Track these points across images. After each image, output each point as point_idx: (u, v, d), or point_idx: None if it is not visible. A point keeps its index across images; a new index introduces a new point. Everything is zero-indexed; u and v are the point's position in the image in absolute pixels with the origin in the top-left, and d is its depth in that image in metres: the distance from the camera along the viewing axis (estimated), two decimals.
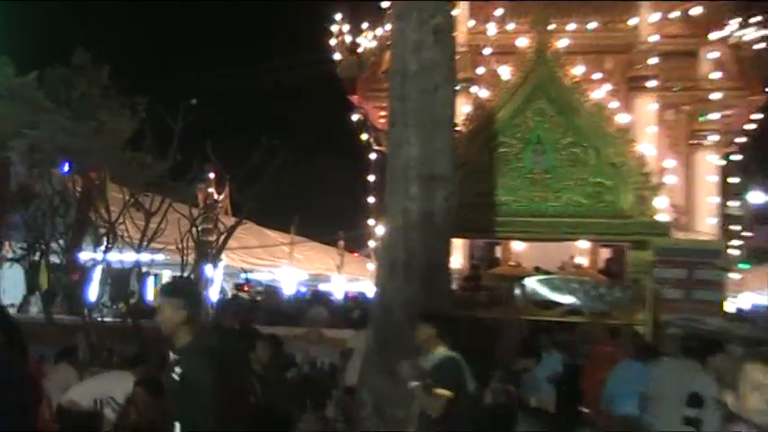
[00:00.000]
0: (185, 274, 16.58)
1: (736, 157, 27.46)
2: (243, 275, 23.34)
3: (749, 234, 31.88)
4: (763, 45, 23.61)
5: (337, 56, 25.69)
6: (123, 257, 17.03)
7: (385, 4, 24.19)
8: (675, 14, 24.11)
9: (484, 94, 19.06)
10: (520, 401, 9.52)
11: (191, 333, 5.64)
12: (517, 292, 14.11)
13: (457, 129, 13.40)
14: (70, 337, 13.47)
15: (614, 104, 19.05)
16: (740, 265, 29.14)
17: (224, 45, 39.70)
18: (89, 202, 17.19)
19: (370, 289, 23.07)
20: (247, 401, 8.06)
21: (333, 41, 25.71)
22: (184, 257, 16.47)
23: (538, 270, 16.99)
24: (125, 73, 19.16)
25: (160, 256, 17.69)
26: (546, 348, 12.40)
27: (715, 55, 24.13)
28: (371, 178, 26.62)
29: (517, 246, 19.98)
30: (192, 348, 5.63)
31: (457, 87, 12.92)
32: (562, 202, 15.04)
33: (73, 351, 11.43)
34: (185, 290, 6.14)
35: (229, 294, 22.38)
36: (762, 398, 3.40)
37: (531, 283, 14.24)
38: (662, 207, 16.49)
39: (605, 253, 20.10)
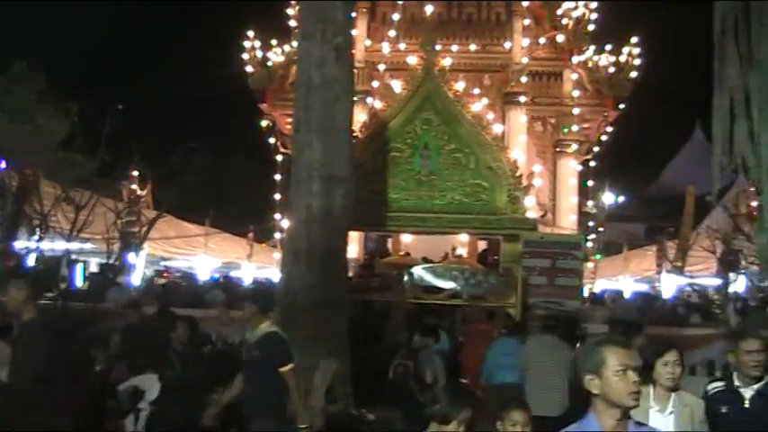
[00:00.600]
0: (111, 262, 16.30)
1: (593, 164, 28.15)
2: (162, 263, 22.86)
3: (602, 229, 32.79)
4: (613, 69, 24.34)
5: (249, 68, 25.44)
6: (54, 246, 16.61)
7: (292, 24, 24.14)
8: (543, 40, 24.67)
9: (378, 104, 19.07)
10: (416, 375, 9.58)
11: (34, 311, 5.94)
12: (406, 278, 14.15)
13: (354, 135, 13.40)
14: (6, 316, 12.99)
15: (490, 116, 19.28)
16: (595, 256, 29.89)
17: (152, 57, 38.94)
18: (24, 196, 16.67)
19: (276, 275, 22.91)
20: (89, 373, 8.23)
21: (246, 56, 25.45)
22: (110, 246, 16.14)
23: (424, 260, 17.07)
24: (60, 80, 18.58)
25: (88, 246, 17.30)
26: (442, 328, 12.47)
27: (575, 76, 24.71)
28: (278, 177, 26.53)
29: (406, 238, 20.07)
30: (32, 323, 5.96)
31: (355, 98, 12.92)
32: (446, 200, 15.17)
33: (8, 329, 10.99)
34: (28, 272, 6.48)
35: (151, 280, 21.86)
36: (628, 380, 3.40)
37: (418, 270, 14.28)
38: (530, 205, 16.77)
39: (482, 245, 20.35)
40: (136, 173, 21.93)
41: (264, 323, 8.05)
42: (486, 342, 11.33)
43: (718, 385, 5.79)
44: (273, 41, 25.34)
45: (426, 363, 9.49)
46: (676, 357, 5.47)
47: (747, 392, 5.53)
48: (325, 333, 10.84)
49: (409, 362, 9.41)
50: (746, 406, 5.54)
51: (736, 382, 5.59)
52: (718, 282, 18.04)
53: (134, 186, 22.77)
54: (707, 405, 5.57)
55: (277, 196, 26.36)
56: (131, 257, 18.78)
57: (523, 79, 24.11)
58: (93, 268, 21.52)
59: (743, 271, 17.25)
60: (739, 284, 17.27)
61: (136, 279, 19.52)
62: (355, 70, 13.42)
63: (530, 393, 10.03)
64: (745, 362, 5.52)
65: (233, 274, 26.28)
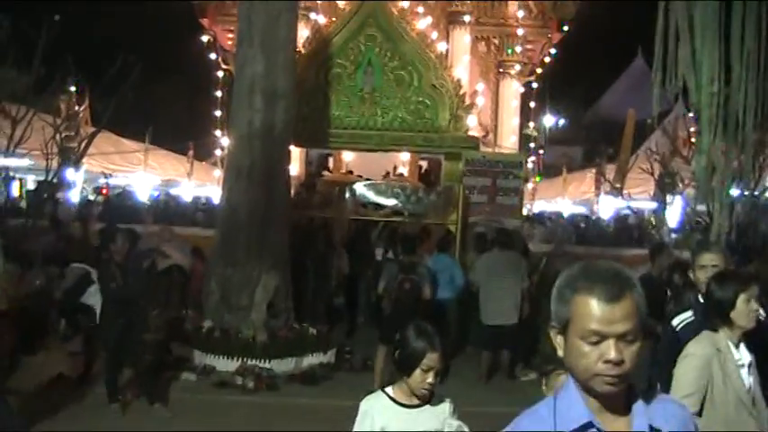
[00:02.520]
0: (49, 178, 15.97)
1: (535, 86, 28.27)
2: (102, 180, 22.49)
3: (542, 151, 33.15)
4: None
5: None
6: None
7: None
8: None
9: (322, 20, 18.80)
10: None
11: None
12: (347, 195, 14.23)
13: (297, 51, 13.23)
14: None
15: (435, 35, 19.14)
16: (535, 178, 30.29)
17: None
18: None
19: (216, 194, 22.78)
20: None
21: None
22: (48, 163, 15.80)
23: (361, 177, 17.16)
24: None
25: (26, 162, 16.88)
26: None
27: None
28: (219, 94, 26.17)
29: (348, 156, 20.05)
30: None
31: (298, 14, 12.72)
32: (388, 118, 15.14)
33: None
34: None
35: (90, 196, 21.55)
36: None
37: (360, 187, 14.34)
38: (472, 125, 16.87)
39: (424, 163, 20.45)
40: (73, 87, 21.38)
41: None
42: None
43: (685, 317, 4.74)
44: None
45: (424, 278, 9.72)
46: (757, 291, 4.32)
47: None
48: (267, 249, 10.90)
49: (414, 276, 9.58)
50: None
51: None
52: (655, 204, 18.37)
53: (72, 101, 22.22)
54: (680, 343, 4.34)
55: (218, 113, 26.05)
56: (70, 174, 18.46)
57: None
58: (31, 185, 21.14)
59: (680, 193, 17.56)
60: (676, 206, 17.60)
61: (74, 196, 19.25)
62: None
63: (487, 306, 10.41)
64: (700, 278, 4.92)
65: (173, 191, 26.08)
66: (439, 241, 11.92)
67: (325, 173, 18.82)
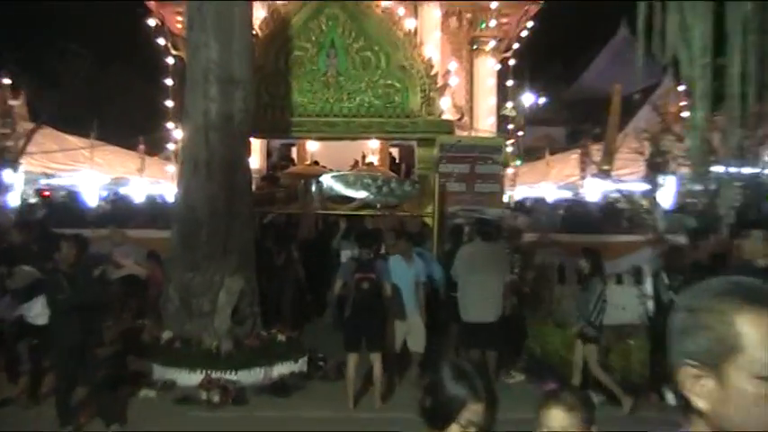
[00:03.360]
0: None
1: (512, 63, 28.31)
2: (44, 180, 22.25)
3: (521, 133, 33.26)
4: None
5: None
6: None
7: None
8: None
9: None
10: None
11: None
12: (313, 188, 14.19)
13: (253, 33, 13.17)
14: None
15: (401, 11, 19.12)
16: (515, 162, 30.38)
17: None
18: None
19: (170, 191, 22.59)
20: None
21: None
22: None
23: (327, 169, 17.13)
24: None
25: None
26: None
27: None
28: (169, 82, 25.92)
29: (312, 146, 20.00)
30: None
31: None
32: (355, 103, 15.14)
33: None
34: None
35: (30, 199, 21.30)
36: None
37: (327, 179, 14.32)
38: (446, 107, 16.90)
39: (395, 152, 20.46)
40: (7, 81, 21.12)
41: None
42: None
43: None
44: None
45: (384, 275, 9.73)
46: None
47: None
48: (229, 249, 10.86)
49: (372, 274, 9.58)
50: None
51: None
52: (646, 186, 18.45)
53: (5, 95, 21.95)
54: None
55: (169, 103, 25.81)
56: (7, 175, 18.23)
57: None
58: None
59: (672, 173, 17.64)
60: (668, 187, 17.69)
61: (13, 199, 19.03)
62: None
63: (465, 302, 10.43)
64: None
65: (122, 190, 25.86)
66: (415, 235, 11.94)
67: (288, 165, 18.76)
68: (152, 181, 27.72)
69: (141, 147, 26.84)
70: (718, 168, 8.51)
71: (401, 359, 10.75)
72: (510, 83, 28.90)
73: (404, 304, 10.46)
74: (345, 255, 13.69)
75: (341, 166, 17.89)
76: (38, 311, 9.00)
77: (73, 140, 24.44)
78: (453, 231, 12.91)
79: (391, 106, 15.11)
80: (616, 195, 21.48)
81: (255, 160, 16.06)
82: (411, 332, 10.58)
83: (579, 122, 33.92)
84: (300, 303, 13.38)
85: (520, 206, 21.22)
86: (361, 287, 9.56)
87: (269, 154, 18.99)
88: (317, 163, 19.13)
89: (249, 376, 10.12)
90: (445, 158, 14.46)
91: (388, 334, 10.32)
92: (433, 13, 23.98)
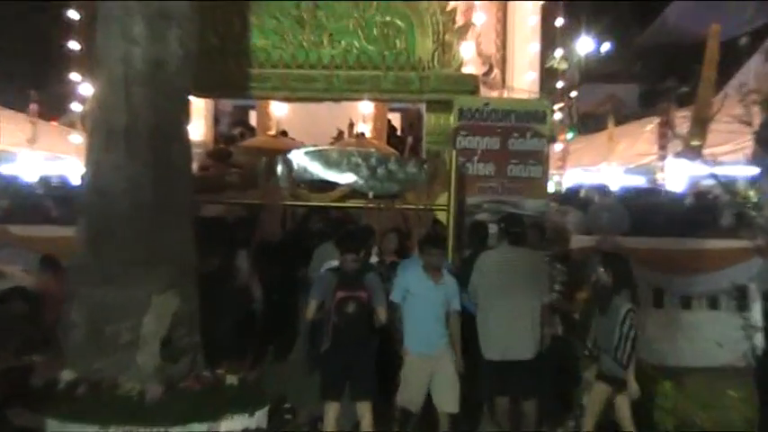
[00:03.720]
0: None
1: None
2: None
3: (575, 94, 33.30)
4: None
5: None
6: None
7: None
8: None
9: None
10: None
11: None
12: (280, 169, 14.18)
13: None
14: None
15: None
16: (566, 135, 30.45)
17: None
18: None
19: (74, 171, 22.62)
20: None
21: None
22: None
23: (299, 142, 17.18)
24: None
25: None
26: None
27: None
28: (75, 16, 25.91)
29: (279, 109, 20.05)
30: None
31: None
32: (340, 49, 15.18)
33: None
34: None
35: None
36: None
37: (299, 157, 14.30)
38: (469, 57, 16.93)
39: (395, 118, 20.50)
40: None
41: None
42: None
43: None
44: None
45: (376, 292, 9.83)
46: None
47: None
48: (159, 254, 10.87)
49: (361, 292, 9.66)
50: None
51: None
52: (754, 170, 18.33)
53: None
54: None
55: (74, 45, 25.81)
56: None
57: None
58: None
59: None
60: None
61: None
62: None
63: (487, 332, 10.46)
64: None
65: (4, 169, 25.85)
66: (421, 238, 11.97)
67: (245, 136, 18.80)
68: (48, 156, 27.73)
69: (33, 107, 26.82)
70: None
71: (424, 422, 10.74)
72: (559, 22, 28.98)
73: (427, 340, 10.44)
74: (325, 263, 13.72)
75: (319, 138, 17.95)
76: None
77: None
78: (474, 231, 12.95)
79: (391, 54, 15.15)
80: (710, 183, 21.40)
81: (198, 128, 16.12)
82: (438, 383, 10.55)
83: (658, 79, 34.00)
84: (262, 332, 13.37)
85: (571, 197, 21.29)
86: (345, 310, 9.62)
87: (217, 120, 19.02)
88: (284, 133, 19.20)
89: None
90: (466, 129, 14.50)
91: (392, 377, 10.38)
92: None
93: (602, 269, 9.95)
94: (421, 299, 10.31)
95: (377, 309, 9.75)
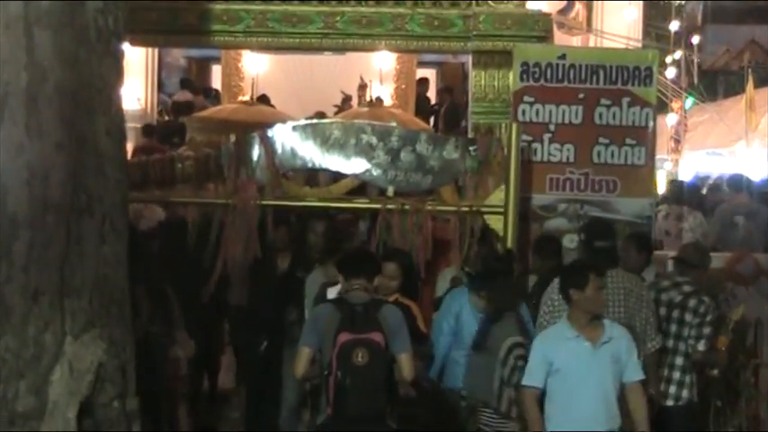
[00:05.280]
0: None
1: None
2: None
3: (696, 40, 33.29)
4: None
5: None
6: None
7: None
8: None
9: None
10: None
11: None
12: (256, 152, 14.18)
13: None
14: None
15: None
16: (686, 101, 30.45)
17: None
18: None
19: None
20: None
21: None
22: None
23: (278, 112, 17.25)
24: None
25: None
26: None
27: None
28: None
29: (255, 63, 20.15)
30: None
31: None
32: None
33: None
34: None
35: None
36: None
37: (285, 134, 14.28)
38: None
39: (428, 74, 20.58)
40: None
41: None
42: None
43: None
44: None
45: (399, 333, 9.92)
46: None
47: None
48: (76, 278, 10.92)
49: (375, 334, 9.71)
50: None
51: None
52: None
53: None
54: None
55: None
56: None
57: None
58: None
59: None
60: None
61: None
62: None
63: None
64: None
65: None
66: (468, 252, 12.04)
67: (205, 103, 18.90)
68: None
69: None
70: None
71: None
72: None
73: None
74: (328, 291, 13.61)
75: (315, 106, 18.02)
76: None
77: None
78: (543, 246, 13.00)
79: None
80: None
81: (135, 92, 16.18)
82: None
83: None
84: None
85: (689, 194, 21.25)
86: (351, 360, 9.60)
87: (160, 83, 19.12)
88: (263, 99, 19.27)
89: None
90: (532, 93, 14.53)
91: None
92: None
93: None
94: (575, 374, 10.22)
95: (399, 357, 9.73)
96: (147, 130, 16.98)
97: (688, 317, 11.66)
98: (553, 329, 10.52)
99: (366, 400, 9.47)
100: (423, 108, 20.68)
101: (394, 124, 16.04)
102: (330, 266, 11.75)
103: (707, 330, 11.62)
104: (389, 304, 10.20)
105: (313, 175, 14.26)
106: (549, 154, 14.37)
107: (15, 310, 10.78)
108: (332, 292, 11.26)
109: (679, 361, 11.45)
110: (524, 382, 10.05)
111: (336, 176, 14.12)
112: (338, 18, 15.15)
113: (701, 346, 11.34)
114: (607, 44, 22.91)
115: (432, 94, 23.26)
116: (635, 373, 10.29)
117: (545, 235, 13.38)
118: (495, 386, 9.83)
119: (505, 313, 10.51)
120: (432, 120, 21.49)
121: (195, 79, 21.85)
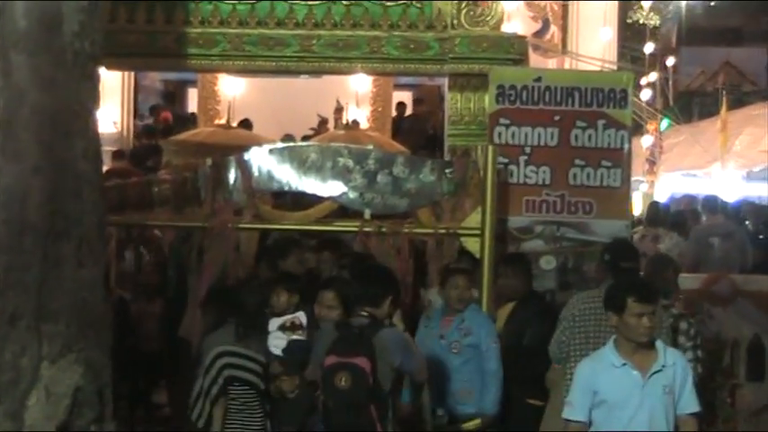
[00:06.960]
0: None
1: None
2: None
3: (672, 61, 33.35)
4: None
5: None
6: None
7: None
8: None
9: None
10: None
11: None
12: (232, 175, 14.17)
13: None
14: None
15: None
16: (657, 124, 30.52)
17: None
18: None
19: None
20: None
21: None
22: None
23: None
24: None
25: None
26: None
27: None
28: None
29: (232, 86, 20.14)
30: None
31: None
32: None
33: None
34: None
35: None
36: None
37: (261, 157, 14.28)
38: (513, 8, 17.03)
39: (404, 98, 20.59)
40: None
41: None
42: None
43: None
44: None
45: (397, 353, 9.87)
46: None
47: None
48: (53, 300, 10.87)
49: (360, 359, 9.63)
50: None
51: None
52: None
53: None
54: None
55: None
56: None
57: None
58: None
59: None
60: None
61: None
62: None
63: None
64: None
65: None
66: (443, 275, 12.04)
67: (183, 126, 18.85)
68: None
69: None
70: None
71: None
72: None
73: None
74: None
75: (291, 129, 17.98)
76: None
77: None
78: (512, 261, 13.02)
79: (397, 6, 15.23)
80: None
81: (112, 115, 16.14)
82: None
83: None
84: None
85: (665, 215, 21.28)
86: (335, 386, 9.55)
87: (137, 107, 19.08)
88: (246, 123, 19.26)
89: None
90: (508, 116, 14.54)
91: None
92: None
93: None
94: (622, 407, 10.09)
95: (411, 371, 9.72)
96: (118, 154, 16.95)
97: (681, 339, 11.63)
98: (597, 355, 10.25)
99: (349, 422, 9.44)
100: (398, 131, 20.69)
101: (371, 147, 16.01)
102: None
103: (700, 353, 11.64)
104: (388, 328, 10.12)
105: (298, 199, 14.20)
106: (526, 176, 14.38)
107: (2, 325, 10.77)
108: (274, 324, 11.11)
109: None
110: (566, 415, 9.87)
111: (312, 200, 14.11)
112: (314, 41, 15.15)
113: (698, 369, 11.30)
114: (582, 66, 22.95)
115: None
116: (689, 405, 9.97)
117: (514, 252, 13.35)
118: (193, 396, 9.84)
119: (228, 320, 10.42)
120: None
121: (172, 103, 21.79)
